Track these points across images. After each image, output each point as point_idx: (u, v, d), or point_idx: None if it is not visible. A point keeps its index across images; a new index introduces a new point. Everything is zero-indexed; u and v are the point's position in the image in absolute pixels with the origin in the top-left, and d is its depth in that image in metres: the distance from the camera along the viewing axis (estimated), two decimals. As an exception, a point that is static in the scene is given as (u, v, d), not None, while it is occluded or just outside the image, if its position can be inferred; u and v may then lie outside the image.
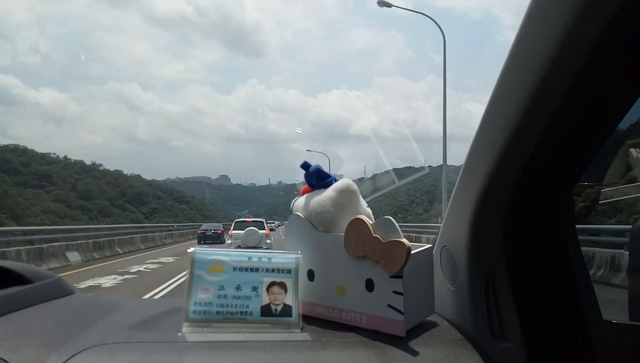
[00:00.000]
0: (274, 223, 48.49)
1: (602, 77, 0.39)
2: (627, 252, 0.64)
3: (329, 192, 0.66)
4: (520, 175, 0.48)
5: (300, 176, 0.73)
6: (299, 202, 0.71)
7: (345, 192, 0.65)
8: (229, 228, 15.76)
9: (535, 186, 0.50)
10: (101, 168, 79.26)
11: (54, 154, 72.42)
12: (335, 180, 0.68)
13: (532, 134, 0.44)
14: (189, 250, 0.62)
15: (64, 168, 67.02)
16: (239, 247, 12.25)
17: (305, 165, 0.69)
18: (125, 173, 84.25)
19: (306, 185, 0.70)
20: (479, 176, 0.53)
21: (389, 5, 14.60)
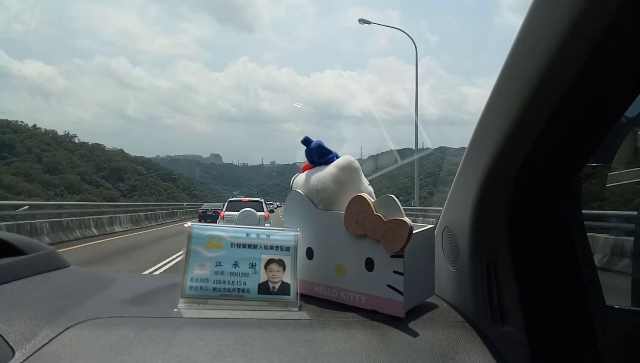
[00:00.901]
0: (272, 203, 45.18)
1: (608, 67, 0.41)
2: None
3: (330, 169, 0.67)
4: (525, 157, 0.50)
5: (299, 156, 0.74)
6: (299, 178, 0.73)
7: (347, 169, 0.67)
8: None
9: (540, 169, 0.52)
10: (76, 139, 77.45)
11: (21, 121, 69.47)
12: (337, 157, 0.69)
13: (538, 117, 0.46)
14: (185, 225, 0.64)
15: (29, 137, 64.00)
16: None
17: (306, 141, 0.70)
18: (105, 146, 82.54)
19: (307, 162, 0.72)
20: (484, 156, 0.54)
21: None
